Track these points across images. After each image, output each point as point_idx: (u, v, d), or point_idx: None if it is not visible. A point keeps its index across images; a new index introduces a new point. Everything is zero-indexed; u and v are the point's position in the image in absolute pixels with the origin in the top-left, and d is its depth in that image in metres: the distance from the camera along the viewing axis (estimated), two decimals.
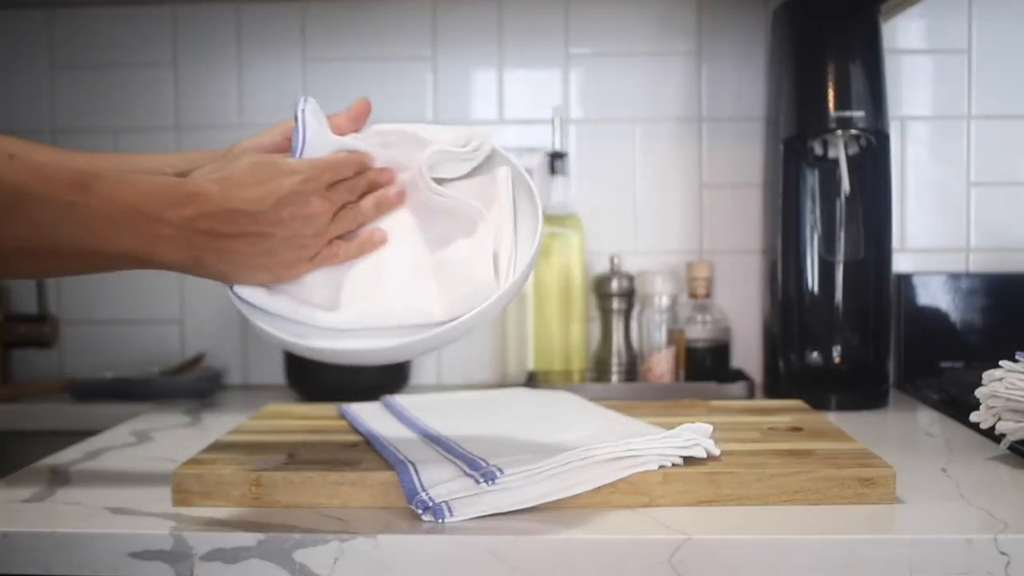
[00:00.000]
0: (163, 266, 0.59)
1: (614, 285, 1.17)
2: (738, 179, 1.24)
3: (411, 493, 0.63)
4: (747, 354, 1.23)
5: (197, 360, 1.25)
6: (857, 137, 1.07)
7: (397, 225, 0.69)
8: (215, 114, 1.26)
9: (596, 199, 1.24)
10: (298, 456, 0.72)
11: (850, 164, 1.06)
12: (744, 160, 1.23)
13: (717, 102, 1.24)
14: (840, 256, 1.09)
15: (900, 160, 1.21)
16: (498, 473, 0.62)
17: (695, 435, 0.70)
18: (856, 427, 0.89)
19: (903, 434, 0.97)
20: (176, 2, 1.25)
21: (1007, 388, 0.76)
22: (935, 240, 1.23)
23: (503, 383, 1.19)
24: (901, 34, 1.21)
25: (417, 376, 1.23)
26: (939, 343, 1.18)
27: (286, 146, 0.71)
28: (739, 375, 1.16)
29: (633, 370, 1.18)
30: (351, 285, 0.66)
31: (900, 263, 1.21)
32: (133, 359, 1.26)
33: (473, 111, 1.26)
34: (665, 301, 1.15)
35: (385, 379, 1.12)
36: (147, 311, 1.27)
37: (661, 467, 0.67)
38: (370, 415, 0.88)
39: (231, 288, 0.64)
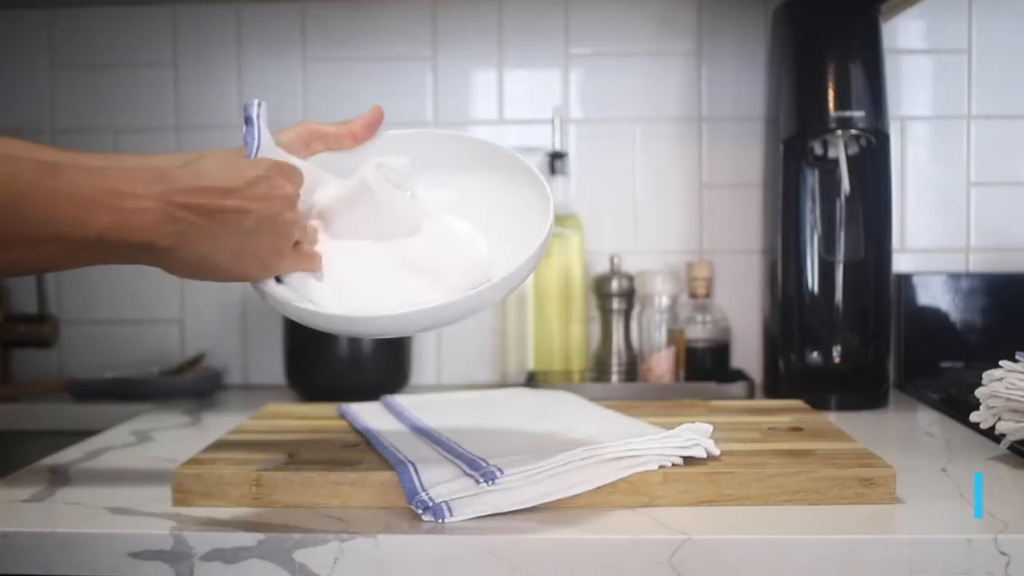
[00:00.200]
0: (144, 248, 0.56)
1: (614, 285, 1.17)
2: (738, 179, 1.24)
3: (411, 493, 0.63)
4: (747, 354, 1.23)
5: (197, 360, 1.25)
6: (857, 137, 1.07)
7: (364, 228, 0.70)
8: (215, 114, 1.26)
9: (596, 199, 1.24)
10: (298, 456, 0.72)
11: (850, 164, 1.06)
12: (744, 160, 1.23)
13: (717, 102, 1.24)
14: (840, 256, 1.09)
15: (900, 160, 1.21)
16: (498, 473, 0.62)
17: (695, 435, 0.70)
18: (856, 427, 0.89)
19: (903, 434, 0.97)
20: (176, 2, 1.25)
21: (1007, 388, 0.76)
22: (935, 240, 1.23)
23: (503, 383, 1.19)
24: (901, 34, 1.21)
25: (417, 376, 1.23)
26: (939, 343, 1.18)
27: (300, 147, 0.72)
28: (739, 375, 1.16)
29: (633, 370, 1.18)
30: (346, 287, 0.67)
31: (900, 263, 1.21)
32: (133, 359, 1.26)
33: (473, 111, 1.26)
34: (665, 301, 1.16)
35: (385, 379, 1.12)
36: (147, 311, 1.27)
37: (661, 467, 0.67)
38: (370, 415, 0.88)
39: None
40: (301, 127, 0.73)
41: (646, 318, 1.16)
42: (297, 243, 0.65)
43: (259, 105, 0.69)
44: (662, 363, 1.14)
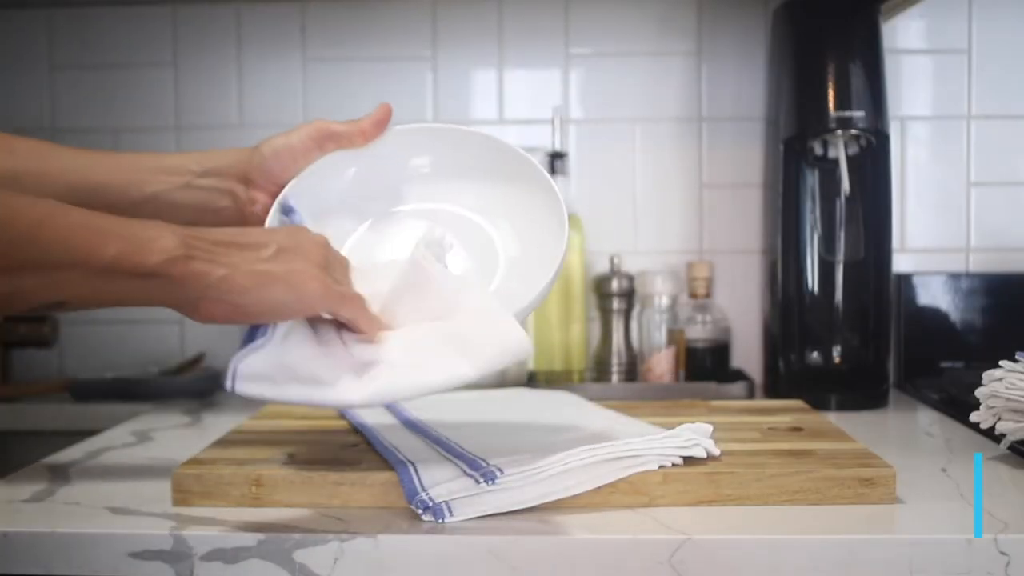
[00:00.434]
0: (159, 275, 0.55)
1: (614, 285, 1.17)
2: (738, 179, 1.24)
3: (411, 493, 0.63)
4: (747, 354, 1.23)
5: (197, 360, 1.25)
6: (857, 137, 1.07)
7: (414, 314, 0.66)
8: (215, 114, 1.26)
9: (596, 199, 1.24)
10: (298, 456, 0.72)
11: (850, 164, 1.06)
12: (744, 160, 1.23)
13: (717, 102, 1.24)
14: (840, 256, 1.09)
15: (900, 160, 1.21)
16: (498, 473, 0.62)
17: (695, 435, 0.70)
18: (856, 427, 0.89)
19: (903, 434, 0.97)
20: (176, 2, 1.25)
21: (1007, 388, 0.76)
22: (935, 240, 1.23)
23: (503, 383, 1.19)
24: (901, 34, 1.21)
25: None
26: (939, 343, 1.18)
27: (312, 147, 0.73)
28: (739, 375, 1.16)
29: (633, 370, 1.18)
30: (366, 365, 0.61)
31: (900, 263, 1.21)
32: (133, 359, 1.26)
33: (473, 111, 1.26)
34: (665, 301, 1.16)
35: None
36: (147, 311, 1.27)
37: (661, 467, 0.67)
38: (370, 415, 0.88)
39: (232, 385, 0.60)
40: (312, 126, 0.74)
41: (646, 318, 1.16)
42: (335, 282, 0.61)
43: (294, 197, 0.70)
44: (662, 363, 1.14)
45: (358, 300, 0.62)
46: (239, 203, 0.75)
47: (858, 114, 1.04)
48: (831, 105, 1.04)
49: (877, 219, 1.09)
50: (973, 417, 0.80)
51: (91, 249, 0.53)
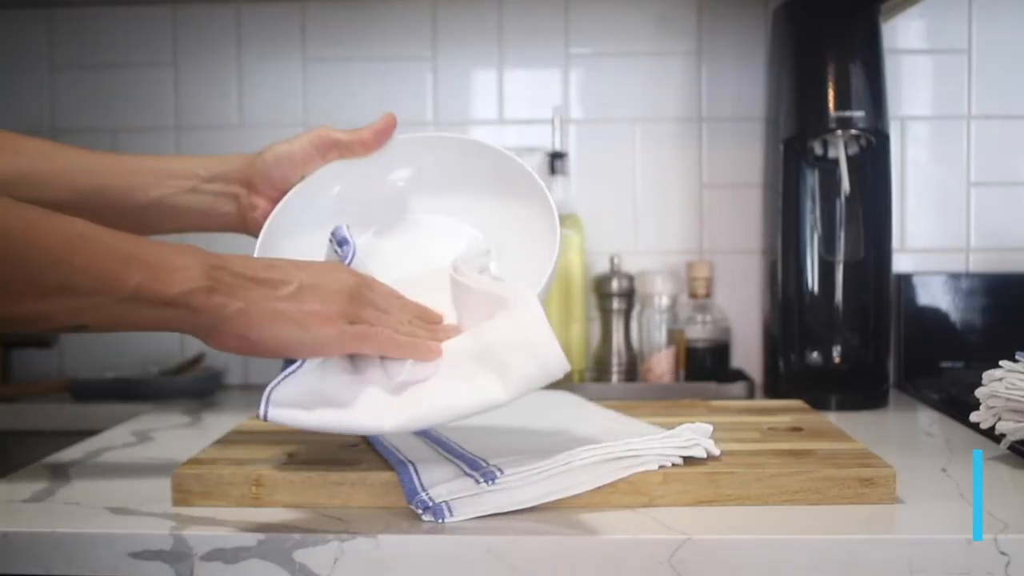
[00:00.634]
0: (179, 304, 0.56)
1: (614, 285, 1.17)
2: (738, 179, 1.24)
3: (411, 493, 0.63)
4: (747, 354, 1.23)
5: (197, 360, 1.25)
6: (857, 137, 1.07)
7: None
8: (215, 114, 1.26)
9: (596, 199, 1.24)
10: (298, 456, 0.72)
11: (850, 164, 1.06)
12: (744, 160, 1.23)
13: (717, 102, 1.24)
14: (840, 256, 1.09)
15: (900, 160, 1.21)
16: (498, 473, 0.62)
17: (695, 435, 0.70)
18: (856, 427, 0.89)
19: (903, 434, 0.97)
20: (176, 2, 1.25)
21: (1007, 388, 0.76)
22: (935, 240, 1.23)
23: None
24: (901, 34, 1.21)
25: None
26: (939, 343, 1.18)
27: (315, 156, 0.74)
28: (739, 375, 1.16)
29: (633, 370, 1.18)
30: (400, 388, 0.62)
31: (900, 263, 1.21)
32: (133, 359, 1.26)
33: (473, 111, 1.26)
34: (665, 301, 1.16)
35: None
36: None
37: (661, 467, 0.67)
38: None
39: (264, 412, 0.59)
40: (315, 134, 0.74)
41: (646, 318, 1.16)
42: (355, 323, 0.62)
43: (348, 227, 0.70)
44: (662, 363, 1.14)
45: (382, 336, 0.62)
46: (242, 208, 0.76)
47: (858, 114, 1.04)
48: (831, 105, 1.04)
49: (877, 219, 1.09)
50: (973, 417, 0.80)
51: (116, 276, 0.54)
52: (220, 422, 0.99)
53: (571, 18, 1.24)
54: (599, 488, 0.65)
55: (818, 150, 1.10)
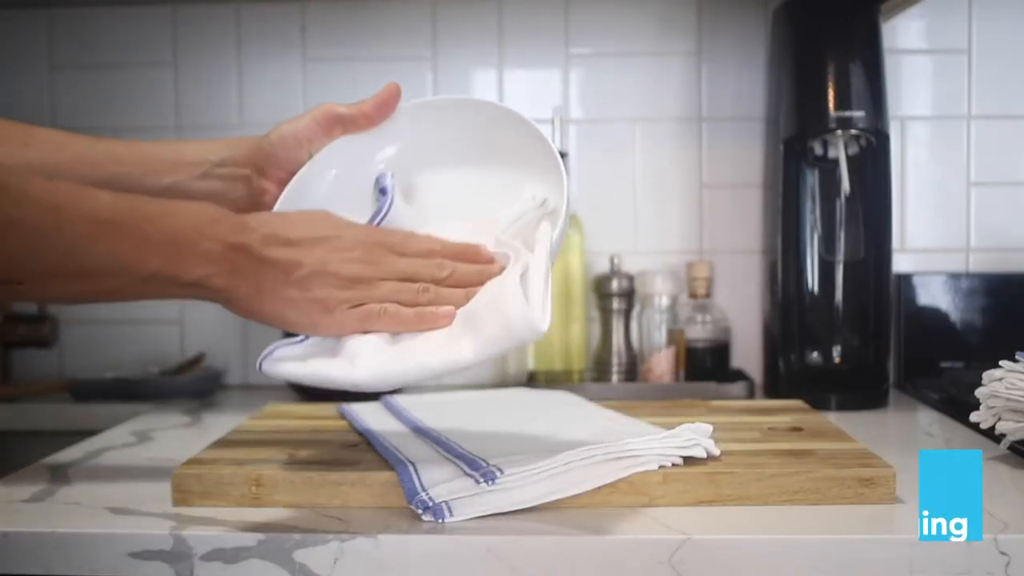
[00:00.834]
0: (196, 285, 0.58)
1: (614, 285, 1.17)
2: (738, 179, 1.24)
3: (411, 493, 0.63)
4: (747, 354, 1.23)
5: (197, 360, 1.25)
6: (857, 137, 1.07)
7: None
8: (215, 114, 1.26)
9: (596, 199, 1.24)
10: (298, 456, 0.72)
11: (850, 164, 1.06)
12: (744, 160, 1.23)
13: (717, 102, 1.24)
14: (840, 256, 1.09)
15: (900, 160, 1.21)
16: (498, 473, 0.62)
17: (695, 435, 0.70)
18: (856, 427, 0.89)
19: (903, 434, 0.97)
20: (176, 2, 1.25)
21: (1007, 388, 0.76)
22: (935, 240, 1.23)
23: (503, 383, 1.19)
24: (901, 34, 1.21)
25: None
26: (939, 343, 1.18)
27: (320, 134, 0.73)
28: (739, 375, 1.16)
29: (633, 370, 1.18)
30: (383, 348, 0.62)
31: (900, 263, 1.21)
32: (133, 359, 1.26)
33: None
34: (665, 301, 1.16)
35: None
36: (147, 311, 1.27)
37: (661, 467, 0.67)
38: (370, 415, 0.88)
39: (260, 363, 0.63)
40: (318, 111, 0.74)
41: (646, 318, 1.16)
42: (359, 305, 0.62)
43: (392, 175, 0.70)
44: (662, 363, 1.14)
45: (386, 317, 0.62)
46: (252, 192, 0.76)
47: (858, 114, 1.04)
48: (831, 105, 1.04)
49: (877, 219, 1.09)
50: (973, 417, 0.80)
51: (137, 261, 0.56)
52: (220, 422, 0.99)
53: (571, 18, 1.24)
54: (599, 488, 0.65)
55: (818, 150, 1.10)
